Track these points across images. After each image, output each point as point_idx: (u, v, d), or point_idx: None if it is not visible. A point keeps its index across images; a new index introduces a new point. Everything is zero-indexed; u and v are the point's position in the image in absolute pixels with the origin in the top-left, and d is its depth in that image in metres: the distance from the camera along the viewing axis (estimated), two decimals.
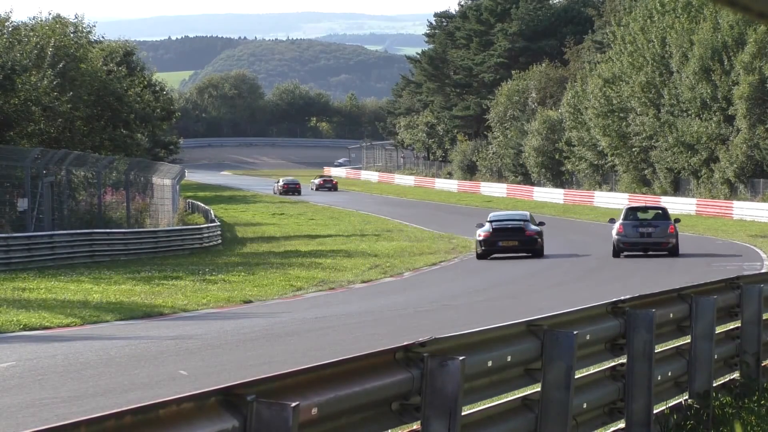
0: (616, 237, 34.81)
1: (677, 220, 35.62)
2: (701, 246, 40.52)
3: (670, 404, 10.82)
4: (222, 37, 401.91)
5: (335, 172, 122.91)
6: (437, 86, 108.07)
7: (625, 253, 34.74)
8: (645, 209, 38.00)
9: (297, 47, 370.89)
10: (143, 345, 17.56)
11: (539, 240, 35.17)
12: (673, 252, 34.41)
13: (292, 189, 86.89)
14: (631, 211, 36.08)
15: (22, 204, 36.59)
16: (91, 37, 55.37)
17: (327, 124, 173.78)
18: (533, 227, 35.73)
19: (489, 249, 35.13)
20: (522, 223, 35.93)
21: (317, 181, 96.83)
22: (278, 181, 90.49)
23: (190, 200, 67.48)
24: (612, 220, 36.31)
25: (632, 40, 72.38)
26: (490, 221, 36.00)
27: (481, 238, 35.37)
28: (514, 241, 35.24)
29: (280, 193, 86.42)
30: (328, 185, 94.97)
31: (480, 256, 35.42)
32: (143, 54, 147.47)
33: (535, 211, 66.03)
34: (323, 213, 64.68)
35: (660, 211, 36.75)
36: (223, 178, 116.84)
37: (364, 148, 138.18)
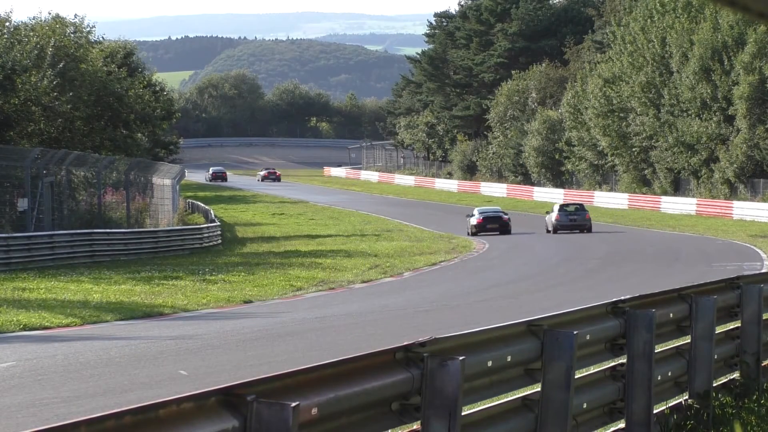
0: (554, 222, 50.18)
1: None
2: (701, 246, 40.56)
3: (670, 404, 10.82)
4: (222, 37, 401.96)
5: (335, 172, 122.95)
6: (437, 86, 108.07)
7: (559, 231, 49.72)
8: (570, 205, 53.39)
9: (297, 47, 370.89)
10: (143, 345, 17.56)
11: (509, 224, 50.32)
12: (589, 230, 49.98)
13: (219, 177, 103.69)
14: (562, 207, 52.38)
15: (22, 204, 36.58)
16: (91, 38, 55.33)
17: (327, 124, 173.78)
18: (505, 216, 50.97)
19: (480, 230, 49.49)
20: (499, 213, 51.41)
21: (263, 173, 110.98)
22: (209, 170, 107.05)
23: (190, 200, 67.48)
24: (548, 212, 52.62)
25: (632, 40, 72.39)
26: (479, 212, 51.14)
27: (475, 223, 49.94)
28: (495, 224, 50.02)
29: (210, 181, 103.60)
30: (272, 177, 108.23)
31: (473, 234, 48.83)
32: (143, 54, 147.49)
33: (535, 211, 66.74)
34: (323, 213, 64.68)
35: (579, 206, 52.77)
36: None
37: (364, 148, 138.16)
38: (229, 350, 16.99)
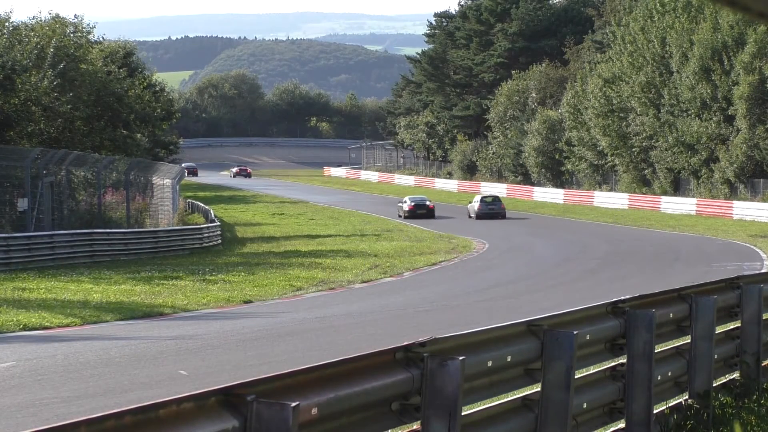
0: (476, 210, 59.53)
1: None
2: (701, 246, 40.57)
3: (670, 404, 10.82)
4: (222, 37, 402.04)
5: (335, 172, 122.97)
6: (437, 86, 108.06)
7: (480, 218, 58.45)
8: (488, 197, 62.31)
9: (297, 47, 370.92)
10: (143, 345, 17.56)
11: (434, 210, 60.51)
12: (504, 216, 59.36)
13: (191, 172, 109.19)
14: (482, 198, 61.40)
15: (22, 204, 36.57)
16: (91, 38, 55.33)
17: (327, 124, 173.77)
18: (430, 204, 61.43)
19: (411, 215, 59.59)
20: (426, 201, 61.90)
21: (235, 169, 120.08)
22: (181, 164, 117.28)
23: (190, 200, 67.48)
24: (470, 202, 62.09)
25: (632, 40, 72.38)
26: (410, 200, 61.57)
27: (407, 209, 60.33)
28: (424, 210, 60.15)
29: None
30: (244, 173, 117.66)
31: (405, 218, 59.07)
32: (143, 54, 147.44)
33: (535, 211, 66.87)
34: (323, 213, 64.67)
35: (496, 197, 62.37)
36: (223, 178, 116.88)
37: (364, 148, 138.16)
38: (229, 350, 16.99)
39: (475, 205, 60.22)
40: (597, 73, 76.75)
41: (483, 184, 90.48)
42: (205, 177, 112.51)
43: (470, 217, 59.78)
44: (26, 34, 48.80)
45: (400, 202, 62.87)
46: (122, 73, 54.74)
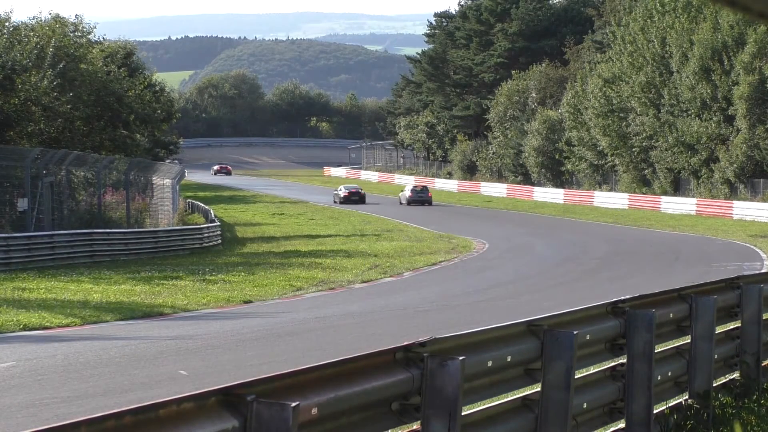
0: (407, 197, 71.56)
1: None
2: (701, 246, 40.57)
3: (670, 404, 10.82)
4: (222, 37, 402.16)
5: (335, 172, 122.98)
6: (437, 86, 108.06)
7: (411, 204, 70.33)
8: (417, 186, 74.43)
9: (297, 47, 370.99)
10: (143, 345, 17.55)
11: (365, 196, 73.35)
12: (430, 203, 71.18)
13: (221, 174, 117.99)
14: (413, 188, 73.33)
15: (22, 204, 36.56)
16: (91, 38, 55.33)
17: (327, 124, 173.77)
18: (362, 191, 74.17)
19: (346, 201, 71.67)
20: (358, 189, 74.66)
21: (216, 167, 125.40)
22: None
23: (190, 200, 67.48)
24: (402, 191, 74.27)
25: (632, 40, 72.38)
26: (345, 188, 74.21)
27: (342, 196, 72.90)
28: (357, 197, 72.63)
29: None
30: (224, 171, 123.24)
31: (341, 204, 71.30)
32: (143, 54, 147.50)
33: (535, 211, 67.00)
34: (323, 213, 64.67)
35: (425, 186, 75.08)
36: (223, 178, 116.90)
37: (364, 148, 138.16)
38: (229, 350, 16.99)
39: (406, 193, 72.66)
40: (597, 73, 76.76)
41: (483, 184, 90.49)
42: (191, 175, 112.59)
43: (401, 203, 71.90)
44: (26, 34, 48.79)
45: (336, 190, 75.98)
46: (122, 73, 54.72)
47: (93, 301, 23.54)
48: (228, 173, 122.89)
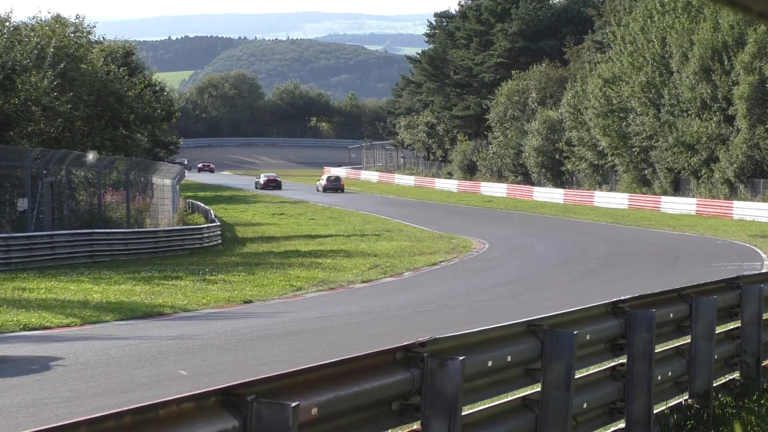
0: (323, 185, 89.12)
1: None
2: (701, 246, 40.57)
3: (670, 404, 10.82)
4: (222, 37, 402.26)
5: (335, 172, 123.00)
6: (437, 86, 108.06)
7: (326, 192, 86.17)
8: (332, 176, 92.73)
9: (297, 47, 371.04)
10: (143, 345, 17.55)
11: (281, 183, 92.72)
12: (342, 191, 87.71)
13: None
14: (328, 177, 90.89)
15: (22, 204, 36.56)
16: (91, 38, 55.32)
17: (327, 124, 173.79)
18: (278, 178, 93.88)
19: (265, 187, 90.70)
20: (276, 177, 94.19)
21: (199, 165, 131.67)
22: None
23: (190, 200, 67.47)
24: (319, 180, 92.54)
25: (632, 40, 72.39)
26: (326, 178, 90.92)
27: (263, 183, 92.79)
28: (274, 183, 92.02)
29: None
30: (207, 169, 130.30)
31: (324, 192, 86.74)
32: (143, 54, 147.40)
33: (535, 211, 66.96)
34: (323, 213, 64.67)
35: (338, 176, 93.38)
36: (224, 177, 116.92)
37: (364, 148, 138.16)
38: (229, 350, 16.98)
39: (322, 182, 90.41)
40: (597, 73, 76.77)
41: (483, 184, 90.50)
42: (192, 175, 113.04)
43: (318, 191, 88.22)
44: (26, 34, 48.78)
45: (257, 178, 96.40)
46: (122, 73, 54.72)
47: (93, 301, 23.54)
48: (211, 171, 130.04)
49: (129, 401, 11.68)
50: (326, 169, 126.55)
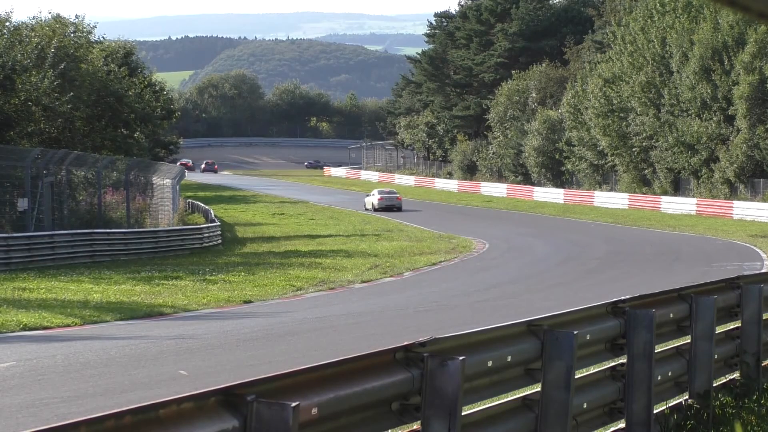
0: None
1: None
2: (701, 246, 40.56)
3: (670, 404, 10.81)
4: (222, 37, 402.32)
5: (335, 172, 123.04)
6: (437, 86, 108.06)
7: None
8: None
9: (297, 47, 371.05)
10: (143, 345, 17.55)
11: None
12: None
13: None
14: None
15: (22, 204, 36.56)
16: (91, 38, 55.31)
17: (327, 124, 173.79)
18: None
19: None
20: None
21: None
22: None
23: (190, 200, 67.46)
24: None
25: (632, 40, 72.38)
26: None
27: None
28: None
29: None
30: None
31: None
32: (143, 54, 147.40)
33: (535, 210, 66.97)
34: (323, 213, 64.67)
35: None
36: (223, 178, 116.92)
37: (364, 148, 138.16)
38: (229, 350, 16.98)
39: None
40: (597, 73, 76.76)
41: (483, 184, 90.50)
42: (192, 175, 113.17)
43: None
44: (27, 34, 48.78)
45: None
46: (122, 73, 54.70)
47: (93, 301, 23.54)
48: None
49: (129, 401, 11.68)
50: (326, 169, 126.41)
